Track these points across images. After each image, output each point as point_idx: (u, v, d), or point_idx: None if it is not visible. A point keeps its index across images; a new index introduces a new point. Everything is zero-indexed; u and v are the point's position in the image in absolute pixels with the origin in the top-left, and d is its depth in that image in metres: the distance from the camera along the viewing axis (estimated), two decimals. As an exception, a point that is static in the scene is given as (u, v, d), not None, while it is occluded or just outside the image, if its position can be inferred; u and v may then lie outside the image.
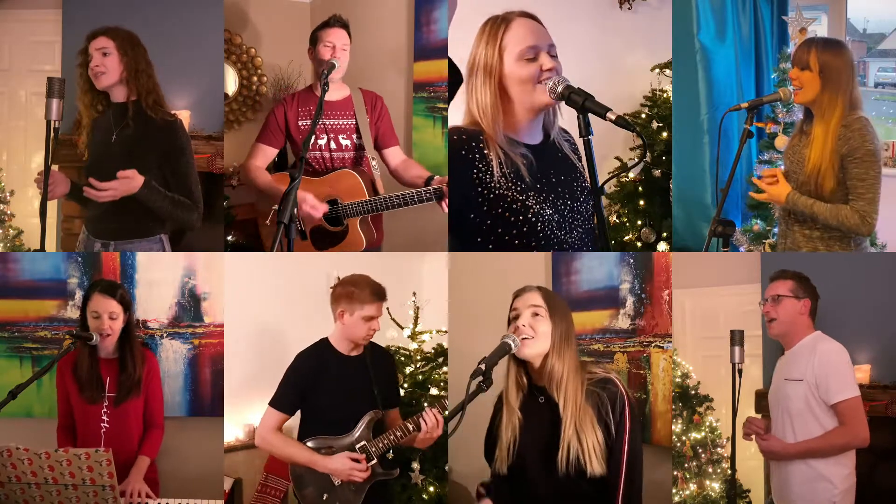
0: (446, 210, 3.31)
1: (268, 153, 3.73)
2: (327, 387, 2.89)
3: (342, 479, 2.81)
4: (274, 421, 2.87)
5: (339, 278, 3.55)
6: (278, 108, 3.73)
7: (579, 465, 2.27)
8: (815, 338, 2.93)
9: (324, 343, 2.96)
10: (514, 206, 2.36)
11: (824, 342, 2.89)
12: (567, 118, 2.46)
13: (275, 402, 2.89)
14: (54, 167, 3.00)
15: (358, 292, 2.87)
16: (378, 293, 2.91)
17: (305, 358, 2.94)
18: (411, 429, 2.82)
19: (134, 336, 3.14)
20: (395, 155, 3.76)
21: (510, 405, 2.39)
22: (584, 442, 2.27)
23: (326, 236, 3.58)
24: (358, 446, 2.83)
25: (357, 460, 2.79)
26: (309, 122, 3.66)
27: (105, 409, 3.06)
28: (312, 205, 3.40)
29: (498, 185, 2.36)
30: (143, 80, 3.09)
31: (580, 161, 2.58)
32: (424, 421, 2.79)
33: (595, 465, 2.26)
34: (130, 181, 2.95)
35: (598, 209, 2.33)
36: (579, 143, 2.37)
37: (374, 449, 2.83)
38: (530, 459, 2.35)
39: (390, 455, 2.97)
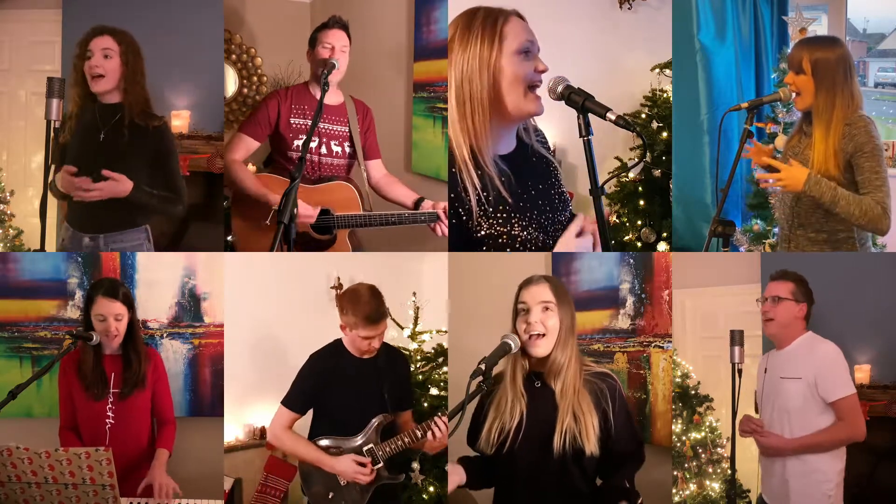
0: (440, 233, 3.42)
1: (249, 145, 3.58)
2: (339, 388, 2.91)
3: (347, 479, 2.83)
4: (285, 419, 2.92)
5: (338, 279, 3.54)
6: (271, 100, 3.59)
7: (576, 445, 2.31)
8: (811, 338, 2.95)
9: (337, 345, 2.97)
10: (500, 240, 2.26)
11: (821, 343, 2.91)
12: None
13: (286, 402, 2.93)
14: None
15: (353, 315, 2.83)
16: (372, 318, 2.82)
17: (318, 359, 2.96)
18: (419, 435, 2.83)
19: (137, 332, 3.12)
20: (377, 168, 3.73)
21: (516, 390, 2.40)
22: (581, 422, 2.32)
23: (311, 243, 3.56)
24: (365, 449, 2.85)
25: (362, 464, 2.81)
26: (301, 120, 3.58)
27: (110, 406, 3.04)
28: (304, 209, 3.41)
29: (479, 227, 2.25)
30: (139, 90, 3.10)
31: (553, 155, 2.52)
32: (434, 430, 2.78)
33: (592, 445, 2.32)
34: (118, 184, 2.98)
35: (599, 209, 2.31)
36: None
37: (380, 453, 2.85)
38: (524, 442, 2.38)
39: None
